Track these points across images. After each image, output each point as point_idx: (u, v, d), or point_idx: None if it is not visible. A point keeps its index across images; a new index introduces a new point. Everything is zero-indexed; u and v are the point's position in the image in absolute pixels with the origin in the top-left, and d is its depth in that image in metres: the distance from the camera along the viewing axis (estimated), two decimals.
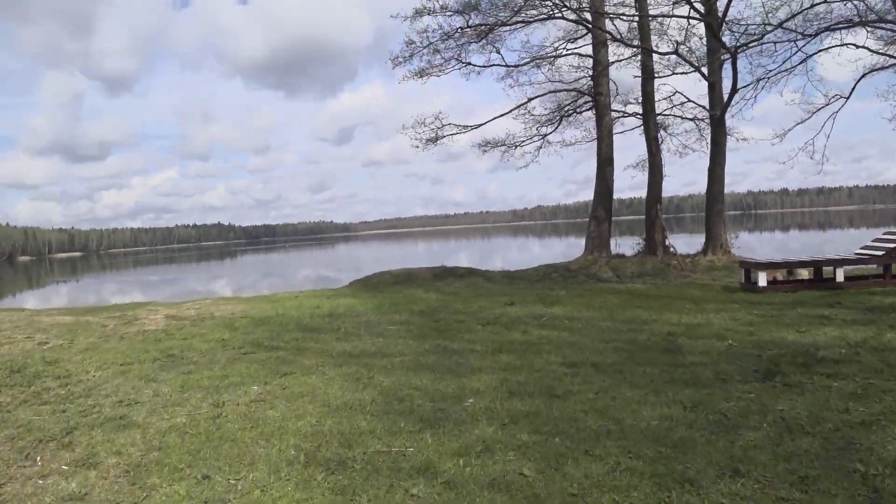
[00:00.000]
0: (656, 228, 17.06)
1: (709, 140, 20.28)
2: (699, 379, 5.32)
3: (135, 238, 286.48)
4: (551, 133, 20.68)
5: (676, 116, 19.94)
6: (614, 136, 19.11)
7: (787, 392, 4.87)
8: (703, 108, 17.33)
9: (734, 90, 15.07)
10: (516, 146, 20.33)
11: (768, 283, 11.33)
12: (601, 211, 18.55)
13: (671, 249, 16.89)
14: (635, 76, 17.69)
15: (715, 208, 16.76)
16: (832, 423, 4.17)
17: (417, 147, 18.70)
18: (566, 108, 20.19)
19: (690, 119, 20.06)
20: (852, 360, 5.80)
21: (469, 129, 18.85)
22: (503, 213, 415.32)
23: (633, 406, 4.66)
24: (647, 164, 17.76)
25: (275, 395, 5.39)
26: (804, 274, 12.10)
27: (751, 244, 35.98)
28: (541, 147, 20.88)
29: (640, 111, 19.36)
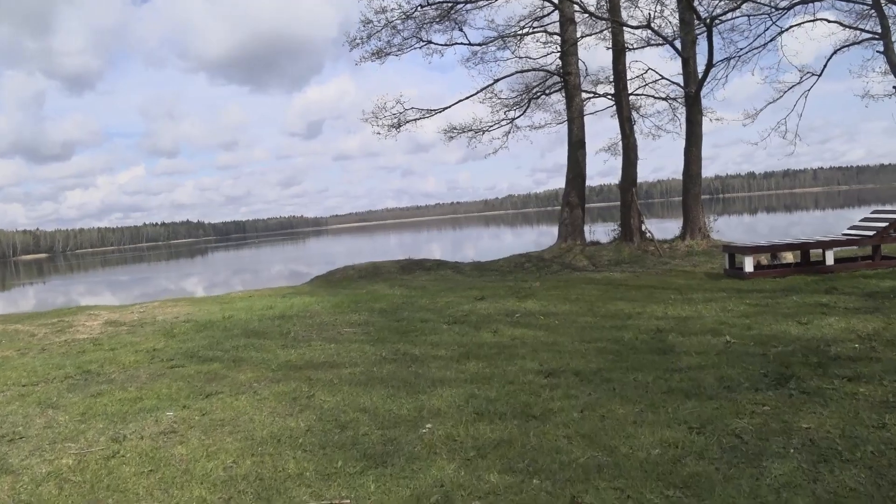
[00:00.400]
0: (632, 213, 16.29)
1: (683, 120, 19.72)
2: (701, 387, 4.49)
3: (102, 238, 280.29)
4: (520, 117, 19.85)
5: (649, 96, 19.18)
6: (584, 119, 18.34)
7: (808, 403, 4.05)
8: (678, 85, 16.56)
9: (710, 65, 14.31)
10: (484, 131, 19.43)
11: (754, 268, 10.61)
12: (574, 196, 17.74)
13: (648, 235, 16.16)
14: (607, 48, 16.81)
15: (692, 191, 16.04)
16: (871, 444, 3.36)
17: (380, 134, 17.72)
18: (534, 90, 19.34)
19: (663, 98, 19.30)
20: (870, 357, 5.02)
21: (433, 112, 17.90)
22: (474, 202, 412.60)
23: (627, 428, 3.79)
24: (621, 147, 16.91)
25: (191, 423, 4.43)
26: (789, 257, 11.42)
27: (720, 228, 35.31)
28: (509, 132, 20.03)
29: (612, 91, 18.63)
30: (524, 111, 19.79)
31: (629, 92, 17.14)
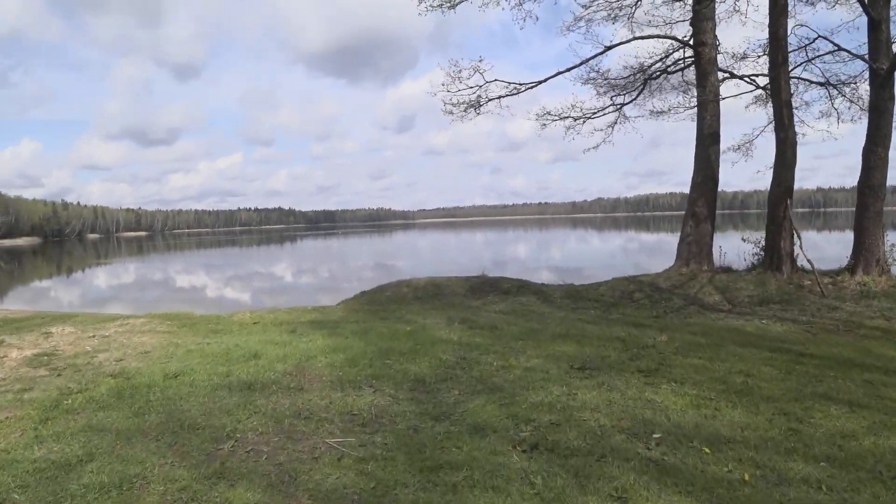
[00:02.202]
0: (783, 233, 12.00)
1: (840, 112, 15.17)
2: None
3: (198, 220, 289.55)
4: (629, 103, 15.76)
5: (804, 80, 14.77)
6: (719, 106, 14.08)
7: None
8: (862, 59, 12.10)
9: None
10: (585, 119, 15.44)
11: None
12: (702, 206, 13.50)
13: (804, 265, 11.88)
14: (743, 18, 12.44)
15: (872, 207, 11.60)
16: None
17: (452, 114, 13.92)
18: (652, 68, 15.18)
19: (821, 84, 14.85)
20: None
21: (523, 88, 13.95)
22: (563, 204, 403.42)
23: None
24: (776, 142, 12.32)
25: None
26: None
27: (819, 245, 32.83)
28: (616, 122, 16.01)
29: (755, 73, 14.52)
30: (636, 96, 15.69)
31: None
